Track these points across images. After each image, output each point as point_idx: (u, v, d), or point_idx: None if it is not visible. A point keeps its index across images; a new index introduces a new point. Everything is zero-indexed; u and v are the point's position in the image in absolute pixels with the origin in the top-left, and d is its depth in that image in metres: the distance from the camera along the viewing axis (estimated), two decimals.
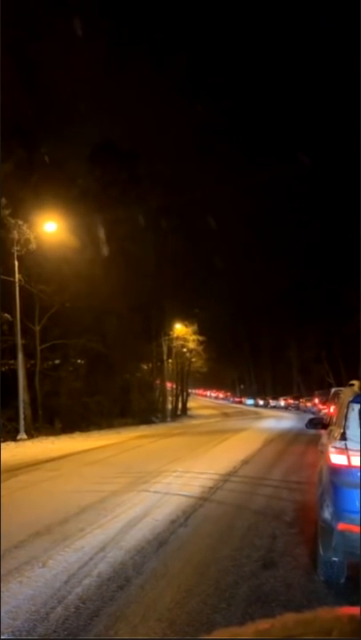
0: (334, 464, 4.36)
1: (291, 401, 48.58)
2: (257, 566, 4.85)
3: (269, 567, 4.82)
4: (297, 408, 43.20)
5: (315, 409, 32.24)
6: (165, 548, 5.46)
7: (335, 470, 4.34)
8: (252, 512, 6.90)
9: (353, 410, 4.38)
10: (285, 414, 38.45)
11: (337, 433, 4.52)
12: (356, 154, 23.13)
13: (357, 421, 4.32)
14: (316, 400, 34.35)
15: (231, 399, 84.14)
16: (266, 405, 56.06)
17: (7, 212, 19.64)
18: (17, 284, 20.19)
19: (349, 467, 4.22)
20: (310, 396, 41.06)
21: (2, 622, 3.77)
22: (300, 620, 0.74)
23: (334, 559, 4.28)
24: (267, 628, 0.73)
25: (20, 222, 20.05)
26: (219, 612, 3.86)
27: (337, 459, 4.34)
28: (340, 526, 4.13)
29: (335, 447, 4.37)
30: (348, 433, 4.32)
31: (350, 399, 4.50)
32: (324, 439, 5.39)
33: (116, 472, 10.49)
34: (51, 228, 21.27)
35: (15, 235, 19.93)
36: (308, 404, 38.25)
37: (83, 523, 6.40)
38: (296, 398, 47.64)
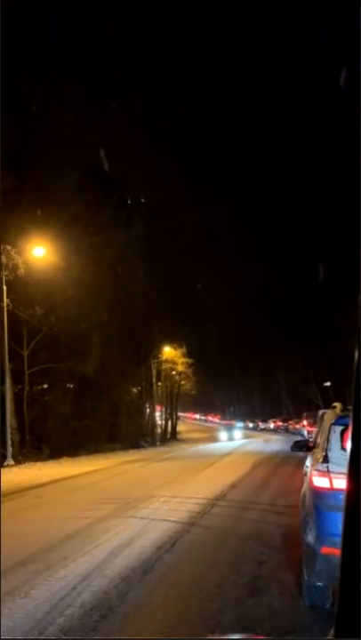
0: (317, 487, 4.36)
1: (280, 423, 48.50)
2: (243, 593, 4.80)
3: (255, 594, 4.77)
4: (286, 430, 43.11)
5: (304, 431, 32.18)
6: (150, 575, 5.39)
7: (318, 493, 4.34)
8: (239, 537, 6.85)
9: (335, 432, 4.41)
10: (274, 437, 38.31)
11: (319, 455, 4.54)
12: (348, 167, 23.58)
13: (339, 444, 4.34)
14: (305, 422, 34.33)
15: (221, 421, 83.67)
16: (255, 428, 55.84)
17: None
18: (4, 309, 20.14)
19: (332, 489, 4.22)
20: (299, 417, 41.04)
21: None
22: None
23: (318, 584, 4.25)
24: None
25: (9, 247, 20.11)
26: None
27: (319, 481, 4.34)
28: (324, 550, 4.11)
29: (317, 470, 4.39)
30: (331, 455, 4.33)
31: (332, 421, 4.53)
32: (308, 462, 5.40)
33: (103, 498, 10.37)
34: (39, 252, 21.35)
35: (3, 259, 19.97)
36: (297, 426, 38.21)
37: (67, 551, 6.30)
38: (285, 420, 47.59)
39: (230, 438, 43.04)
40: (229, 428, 53.89)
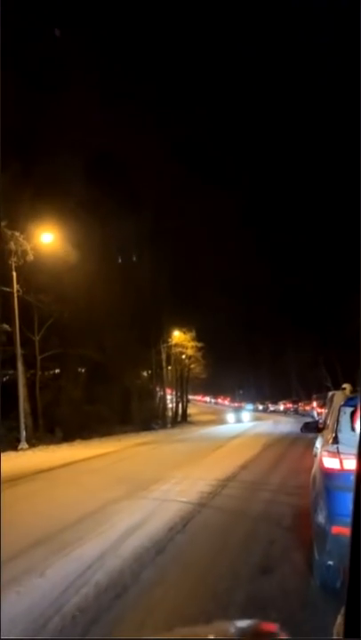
0: (327, 468, 4.40)
1: (289, 405, 48.62)
2: (254, 572, 4.88)
3: (266, 573, 4.85)
4: (296, 412, 43.23)
5: (314, 412, 32.25)
6: (163, 555, 5.48)
7: (328, 474, 4.38)
8: (250, 517, 6.93)
9: (344, 413, 4.43)
10: (284, 418, 38.44)
11: (329, 437, 4.56)
12: (353, 160, 23.28)
13: (349, 425, 4.37)
14: (315, 403, 34.38)
15: (231, 404, 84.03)
16: (265, 410, 56.04)
17: (4, 223, 19.74)
18: (15, 295, 20.26)
19: (342, 470, 4.25)
20: (309, 399, 41.10)
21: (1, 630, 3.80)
22: (189, 633, 0.82)
23: (329, 563, 4.30)
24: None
25: (17, 234, 20.15)
26: (216, 619, 3.88)
27: (329, 462, 4.38)
28: (334, 530, 4.15)
29: (327, 451, 4.42)
30: (340, 436, 4.36)
31: (342, 403, 4.55)
32: (318, 443, 5.43)
33: (116, 480, 10.51)
34: (47, 239, 21.39)
35: (12, 246, 20.03)
36: (307, 408, 38.30)
37: (81, 531, 6.42)
38: (295, 402, 47.67)
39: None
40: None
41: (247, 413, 50.04)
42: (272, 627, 0.90)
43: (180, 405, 47.50)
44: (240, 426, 34.33)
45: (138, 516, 7.08)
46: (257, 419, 42.92)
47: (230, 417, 46.24)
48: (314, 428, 6.30)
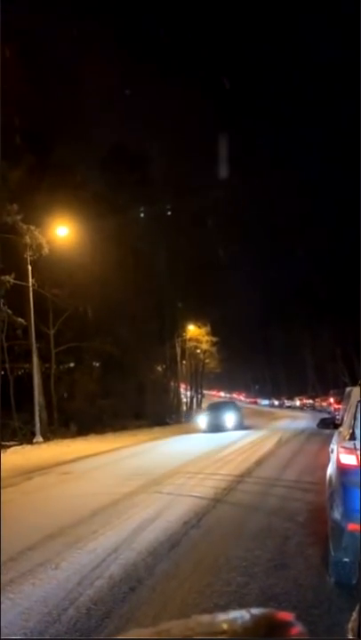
0: (344, 464, 4.34)
1: (306, 401, 48.32)
2: (269, 567, 4.84)
3: (281, 568, 4.81)
4: (312, 408, 42.94)
5: (330, 408, 32.01)
6: (177, 549, 5.48)
7: (345, 470, 4.32)
8: (265, 513, 6.88)
9: None
10: (301, 414, 38.21)
11: (346, 433, 4.50)
12: None
13: None
14: (332, 399, 34.11)
15: (246, 399, 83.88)
16: (281, 405, 55.81)
17: (19, 217, 19.83)
18: (30, 289, 20.38)
19: (359, 466, 4.19)
20: (325, 395, 40.79)
21: (15, 623, 3.82)
22: (204, 621, 0.81)
23: (345, 560, 4.25)
24: (166, 628, 0.80)
25: (32, 227, 20.23)
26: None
27: (346, 458, 4.32)
28: (351, 526, 4.11)
29: (344, 447, 4.36)
30: (357, 432, 4.30)
31: (359, 399, 4.49)
32: (335, 439, 5.37)
33: (130, 474, 10.53)
34: (63, 232, 21.45)
35: (28, 240, 20.12)
36: (324, 404, 38.00)
37: (95, 525, 6.45)
38: (311, 398, 47.37)
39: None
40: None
41: (263, 409, 49.26)
42: (287, 616, 0.88)
43: (194, 400, 47.53)
44: (254, 421, 34.13)
45: (152, 510, 7.09)
46: (272, 414, 42.35)
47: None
48: (330, 423, 6.23)
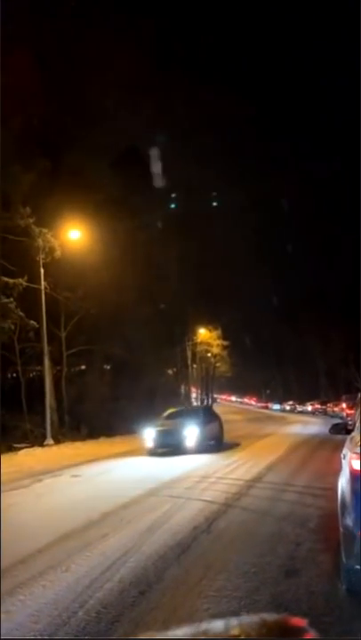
0: (356, 470, 4.29)
1: (318, 406, 47.95)
2: (279, 573, 4.80)
3: (292, 574, 4.77)
4: (324, 413, 42.61)
5: (343, 413, 31.75)
6: (187, 554, 5.45)
7: (357, 476, 4.27)
8: (276, 518, 6.83)
9: None
10: (312, 419, 37.97)
11: (358, 438, 4.46)
12: None
13: None
14: (344, 405, 33.82)
15: (257, 403, 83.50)
16: (293, 410, 55.46)
17: (31, 220, 19.98)
18: (42, 292, 20.51)
19: None
20: (338, 400, 40.47)
21: (24, 625, 3.83)
22: (217, 626, 0.81)
23: (357, 567, 4.20)
24: (179, 632, 0.80)
25: (45, 230, 20.38)
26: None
27: (358, 464, 4.27)
28: None
29: (356, 453, 4.31)
30: None
31: None
32: (347, 445, 5.31)
33: (140, 477, 10.53)
34: (75, 235, 21.59)
35: (40, 243, 20.27)
36: (336, 409, 37.70)
37: (105, 528, 6.44)
38: (323, 403, 46.99)
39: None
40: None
41: (274, 414, 48.84)
42: (301, 621, 0.87)
43: (205, 404, 47.45)
44: (265, 426, 33.95)
45: (161, 514, 7.07)
46: (283, 419, 42.11)
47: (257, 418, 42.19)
48: (342, 429, 6.18)
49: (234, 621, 0.86)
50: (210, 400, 49.31)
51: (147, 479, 10.10)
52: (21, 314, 20.16)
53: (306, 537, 5.90)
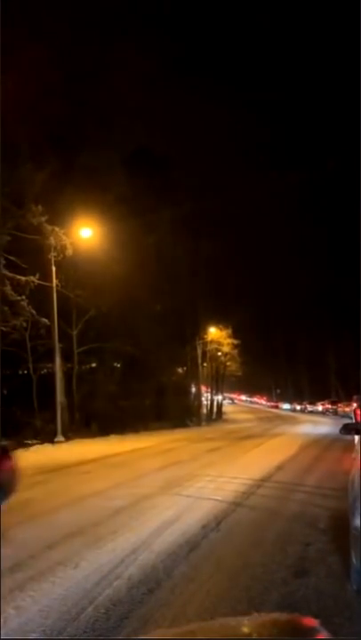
0: None
1: (328, 406, 47.73)
2: (288, 573, 4.79)
3: (301, 575, 4.75)
4: (335, 413, 42.43)
5: (353, 414, 31.53)
6: (196, 552, 5.45)
7: None
8: (285, 518, 6.81)
9: None
10: (323, 419, 37.80)
11: None
12: None
13: None
14: (355, 405, 33.58)
15: (267, 403, 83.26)
16: (303, 410, 55.25)
17: (44, 218, 20.11)
18: (54, 289, 20.63)
19: None
20: (349, 400, 40.22)
21: (34, 621, 3.86)
22: (229, 624, 0.81)
23: None
24: (191, 629, 0.80)
25: (57, 229, 20.50)
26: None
27: None
28: None
29: None
30: None
31: None
32: (358, 445, 5.29)
33: (150, 475, 10.55)
34: (86, 234, 21.68)
35: (52, 241, 20.39)
36: (347, 409, 37.50)
37: (115, 525, 6.47)
38: (334, 403, 46.78)
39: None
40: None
41: (284, 413, 48.75)
42: (312, 622, 0.87)
43: (215, 403, 47.40)
44: (274, 426, 33.87)
45: (171, 512, 7.08)
46: (293, 419, 41.88)
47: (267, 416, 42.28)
48: (353, 429, 6.15)
49: (245, 620, 0.87)
50: (220, 399, 49.26)
51: (155, 476, 10.12)
52: (33, 311, 20.31)
53: (315, 537, 5.88)
